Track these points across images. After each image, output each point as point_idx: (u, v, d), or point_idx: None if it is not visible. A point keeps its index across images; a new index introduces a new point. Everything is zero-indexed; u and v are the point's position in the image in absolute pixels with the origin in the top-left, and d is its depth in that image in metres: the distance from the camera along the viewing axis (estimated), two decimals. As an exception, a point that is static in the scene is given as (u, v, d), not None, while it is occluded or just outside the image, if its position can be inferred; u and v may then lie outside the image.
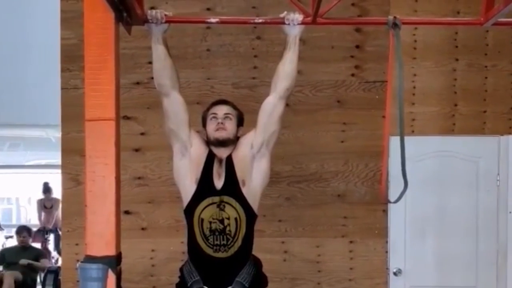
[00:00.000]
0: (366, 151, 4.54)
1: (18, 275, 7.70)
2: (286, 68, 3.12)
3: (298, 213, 4.58)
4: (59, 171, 4.62)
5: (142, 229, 4.56)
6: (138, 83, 4.52)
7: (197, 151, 3.19)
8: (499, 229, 4.59)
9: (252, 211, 3.17)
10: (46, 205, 10.62)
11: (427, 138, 4.58)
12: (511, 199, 4.56)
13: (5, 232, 11.33)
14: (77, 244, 4.45)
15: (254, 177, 3.19)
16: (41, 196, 10.79)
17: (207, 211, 3.11)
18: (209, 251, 3.11)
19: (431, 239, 4.61)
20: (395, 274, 4.58)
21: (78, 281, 2.54)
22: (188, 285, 3.16)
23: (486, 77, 4.64)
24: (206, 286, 3.12)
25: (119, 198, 2.58)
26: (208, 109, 3.27)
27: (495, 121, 4.63)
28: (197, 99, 4.45)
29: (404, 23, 2.85)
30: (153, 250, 4.56)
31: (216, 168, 3.16)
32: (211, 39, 4.57)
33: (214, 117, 3.19)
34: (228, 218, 3.11)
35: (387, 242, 4.60)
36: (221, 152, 3.18)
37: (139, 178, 4.57)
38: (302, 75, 4.54)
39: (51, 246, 10.04)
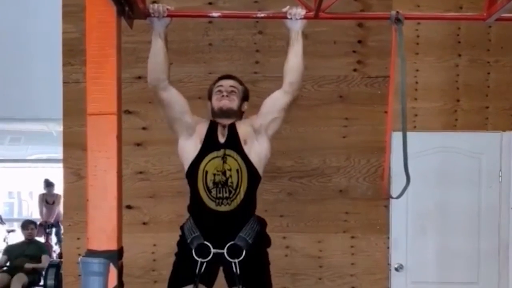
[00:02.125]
0: (368, 146, 4.53)
1: (24, 278, 7.86)
2: (290, 63, 3.15)
3: (299, 208, 4.58)
4: (61, 165, 4.62)
5: (144, 223, 4.56)
6: (139, 77, 4.50)
7: (201, 125, 3.27)
8: (501, 225, 4.58)
9: (253, 167, 3.21)
10: (48, 200, 10.62)
11: (429, 134, 4.57)
12: (513, 195, 4.56)
13: (6, 226, 11.32)
14: (78, 238, 4.44)
15: (255, 145, 3.24)
16: (43, 191, 10.79)
17: (211, 164, 3.17)
18: (212, 204, 3.14)
19: (432, 235, 4.61)
20: (396, 269, 4.58)
21: (79, 275, 2.54)
22: (188, 241, 3.16)
23: (488, 73, 4.63)
24: (207, 242, 3.12)
25: (120, 192, 2.59)
26: (214, 83, 3.34)
27: (497, 117, 4.61)
28: (199, 93, 4.42)
29: (406, 18, 2.85)
30: (154, 245, 4.56)
31: (219, 129, 3.23)
32: (213, 33, 4.56)
33: (219, 90, 3.26)
34: (230, 170, 3.15)
35: (388, 237, 4.60)
36: (224, 122, 3.24)
37: (140, 172, 4.56)
38: (304, 70, 4.54)
39: (52, 240, 10.04)
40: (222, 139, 3.21)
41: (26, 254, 8.13)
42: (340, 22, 4.39)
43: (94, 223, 2.51)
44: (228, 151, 3.17)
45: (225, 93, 3.23)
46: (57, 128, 8.72)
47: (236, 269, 3.09)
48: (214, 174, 3.14)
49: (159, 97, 3.18)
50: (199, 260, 3.11)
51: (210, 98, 3.31)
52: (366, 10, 4.51)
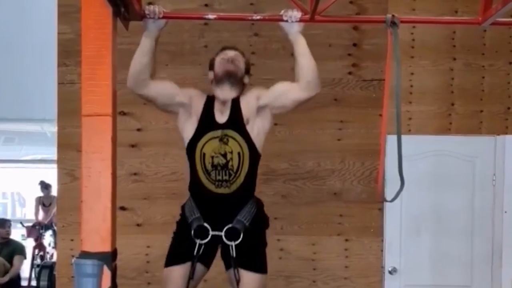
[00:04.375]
0: (363, 149, 4.54)
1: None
2: (300, 64, 3.12)
3: (294, 211, 4.58)
4: (55, 166, 4.61)
5: (138, 225, 4.56)
6: (135, 78, 4.50)
7: (198, 100, 3.19)
8: (494, 228, 4.59)
9: (255, 149, 3.17)
10: (45, 203, 10.56)
11: (424, 137, 4.58)
12: (506, 199, 4.57)
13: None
14: (72, 240, 4.44)
15: (257, 122, 3.18)
16: (39, 193, 10.73)
17: (208, 146, 3.10)
18: (211, 187, 3.10)
19: (426, 238, 4.61)
20: (390, 272, 4.59)
21: (73, 276, 2.53)
22: (189, 221, 3.16)
23: (483, 77, 4.64)
24: (207, 223, 3.12)
25: (115, 194, 2.58)
26: (216, 54, 3.26)
27: (491, 121, 4.63)
28: (194, 95, 4.44)
29: (402, 22, 2.85)
30: (148, 247, 4.56)
31: (218, 107, 3.15)
32: (209, 35, 4.56)
33: (223, 58, 3.18)
34: (231, 152, 3.10)
35: (382, 240, 4.60)
36: (226, 92, 3.15)
37: (135, 174, 4.56)
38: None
39: (46, 241, 10.00)
40: (220, 118, 3.14)
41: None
42: (335, 25, 4.39)
43: (88, 225, 2.50)
44: (229, 132, 3.11)
45: (231, 56, 3.17)
46: (52, 129, 8.71)
47: (233, 252, 3.10)
48: (212, 157, 3.09)
49: (139, 94, 3.13)
50: (198, 241, 3.12)
51: (211, 68, 3.23)
52: (362, 14, 4.52)
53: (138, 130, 4.55)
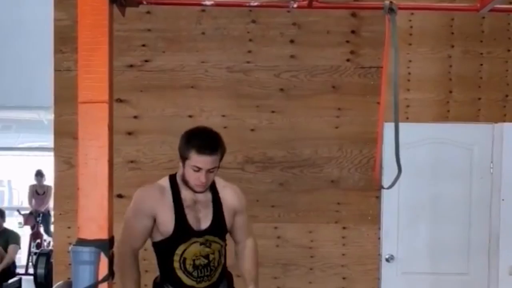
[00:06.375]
0: (360, 137, 4.54)
1: None
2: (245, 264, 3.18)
3: (291, 198, 4.58)
4: (52, 153, 4.60)
5: (135, 212, 4.54)
6: (131, 65, 4.49)
7: (162, 205, 3.04)
8: (491, 216, 4.60)
9: (227, 232, 3.17)
10: (38, 191, 10.54)
11: (422, 125, 4.57)
12: (504, 187, 4.57)
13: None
14: (69, 227, 4.43)
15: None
16: (33, 181, 10.72)
17: (189, 252, 3.02)
18: (192, 283, 3.05)
19: (424, 226, 4.62)
20: (387, 260, 4.59)
21: (70, 264, 2.53)
22: None
23: (481, 64, 4.63)
24: None
25: (112, 181, 2.56)
26: (190, 148, 2.92)
27: (489, 109, 4.63)
28: (191, 82, 4.43)
29: (400, 8, 2.82)
30: (145, 234, 4.55)
31: (191, 208, 3.03)
32: (206, 22, 4.53)
33: (197, 170, 2.93)
34: (213, 253, 3.06)
35: (379, 228, 4.61)
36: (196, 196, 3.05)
37: (131, 161, 4.55)
38: (297, 60, 4.53)
39: (43, 229, 10.00)
40: (202, 225, 3.02)
41: None
42: (333, 12, 4.38)
43: (85, 212, 2.49)
44: (211, 238, 3.04)
45: (203, 179, 2.92)
46: (48, 116, 8.68)
47: None
48: (194, 259, 3.02)
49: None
50: None
51: (182, 158, 2.96)
52: (360, 0, 4.50)
53: (135, 117, 4.54)
